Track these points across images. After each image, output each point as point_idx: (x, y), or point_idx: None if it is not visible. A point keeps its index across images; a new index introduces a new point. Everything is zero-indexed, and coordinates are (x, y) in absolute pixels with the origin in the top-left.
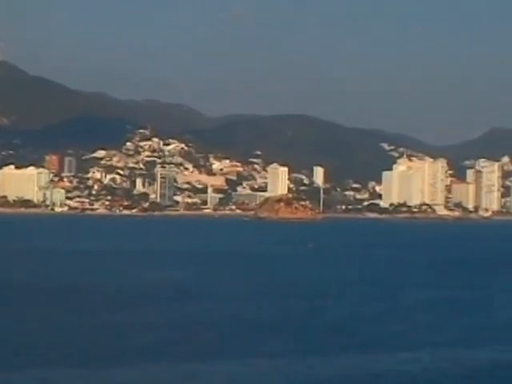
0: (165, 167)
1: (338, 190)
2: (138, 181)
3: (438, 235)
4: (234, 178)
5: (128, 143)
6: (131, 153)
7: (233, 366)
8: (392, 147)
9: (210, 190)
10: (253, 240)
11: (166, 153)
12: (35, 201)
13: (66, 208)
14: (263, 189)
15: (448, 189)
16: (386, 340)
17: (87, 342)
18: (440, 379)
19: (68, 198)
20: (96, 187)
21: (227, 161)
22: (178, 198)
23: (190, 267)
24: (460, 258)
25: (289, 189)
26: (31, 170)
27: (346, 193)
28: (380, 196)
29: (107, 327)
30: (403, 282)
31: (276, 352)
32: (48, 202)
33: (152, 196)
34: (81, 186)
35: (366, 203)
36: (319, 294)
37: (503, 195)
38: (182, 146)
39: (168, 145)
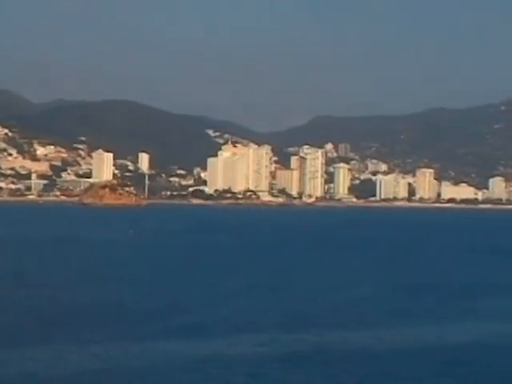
0: None
1: (163, 176)
2: None
3: (254, 221)
4: (59, 163)
5: None
6: None
7: (47, 352)
8: (217, 134)
9: (33, 175)
10: (75, 226)
11: None
12: None
13: None
14: (88, 175)
15: (272, 175)
16: (206, 325)
17: None
18: (257, 363)
19: None
20: None
21: (52, 147)
22: (1, 184)
23: (7, 253)
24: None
25: (114, 175)
26: None
27: (171, 179)
28: (205, 182)
29: None
30: (220, 267)
31: (91, 338)
32: None
33: None
34: None
35: (190, 189)
36: (135, 279)
37: (327, 182)
38: (6, 131)
39: None
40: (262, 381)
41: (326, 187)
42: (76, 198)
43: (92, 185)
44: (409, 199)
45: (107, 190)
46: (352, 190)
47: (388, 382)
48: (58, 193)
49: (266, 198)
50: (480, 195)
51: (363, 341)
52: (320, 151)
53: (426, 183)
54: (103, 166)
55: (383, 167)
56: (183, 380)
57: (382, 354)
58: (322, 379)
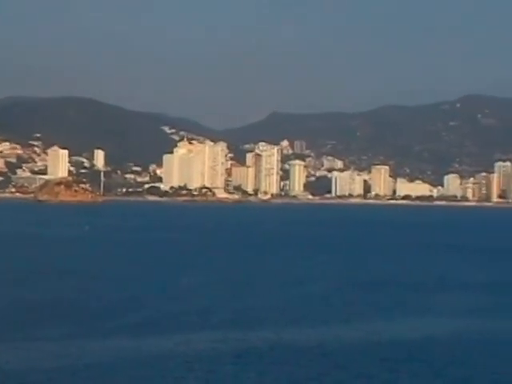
0: None
1: (119, 173)
2: None
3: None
4: (14, 160)
5: None
6: None
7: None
8: (173, 131)
9: None
10: (29, 222)
11: None
12: None
13: None
14: (43, 172)
15: (228, 172)
16: (161, 322)
17: None
18: (211, 359)
19: None
20: None
21: (7, 143)
22: None
23: None
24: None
25: (69, 172)
26: None
27: (127, 176)
28: (161, 179)
29: None
30: (175, 264)
31: (44, 335)
32: None
33: None
34: None
35: (146, 186)
36: (89, 275)
37: (282, 178)
38: None
39: None
40: (217, 376)
41: (282, 184)
42: (31, 195)
43: (47, 182)
44: (364, 196)
45: (62, 186)
46: (307, 186)
47: (341, 377)
48: (13, 190)
49: (221, 194)
50: (435, 192)
51: (317, 337)
52: (276, 148)
53: (381, 180)
54: (58, 163)
55: (339, 164)
56: (138, 376)
57: (335, 350)
58: (276, 375)
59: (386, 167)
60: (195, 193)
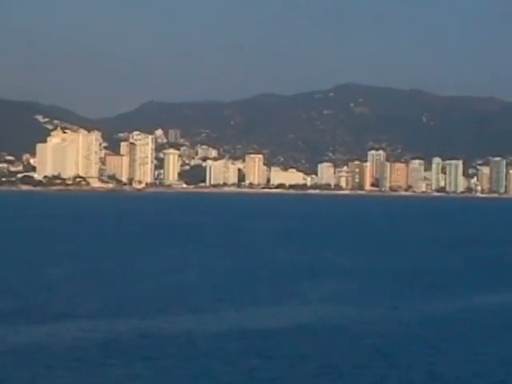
0: None
1: None
2: None
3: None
4: None
5: None
6: None
7: None
8: (47, 119)
9: None
10: None
11: None
12: None
13: None
14: None
15: (102, 161)
16: (29, 311)
17: None
18: (79, 348)
19: None
20: None
21: None
22: None
23: None
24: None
25: None
26: None
27: (0, 165)
28: (34, 168)
29: None
30: (46, 254)
31: None
32: None
33: None
34: None
35: (19, 176)
36: None
37: (157, 167)
38: None
39: None
40: (83, 364)
41: (156, 173)
42: None
43: None
44: (239, 185)
45: None
46: (182, 175)
47: (208, 363)
48: None
49: (95, 184)
50: (309, 181)
51: (186, 325)
52: (150, 137)
53: (255, 169)
54: None
55: (213, 153)
56: (5, 365)
57: (202, 338)
58: (142, 362)
59: (260, 156)
60: (69, 182)
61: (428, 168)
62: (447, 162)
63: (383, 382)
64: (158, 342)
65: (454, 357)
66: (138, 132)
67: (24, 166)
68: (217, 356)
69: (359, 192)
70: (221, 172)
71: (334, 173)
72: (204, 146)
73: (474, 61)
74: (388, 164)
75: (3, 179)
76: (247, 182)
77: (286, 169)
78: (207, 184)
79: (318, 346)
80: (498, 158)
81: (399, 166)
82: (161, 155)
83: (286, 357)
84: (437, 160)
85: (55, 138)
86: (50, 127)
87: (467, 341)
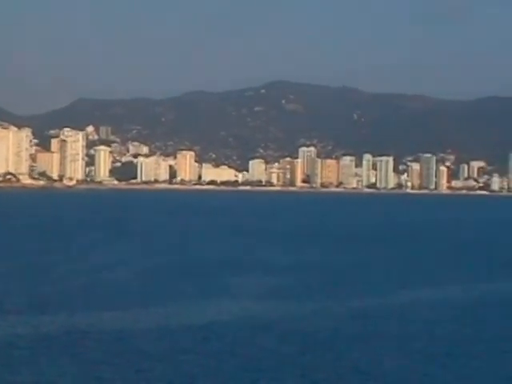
0: None
1: None
2: None
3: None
4: None
5: None
6: None
7: None
8: None
9: None
10: None
11: None
12: None
13: None
14: None
15: (33, 158)
16: None
17: None
18: (9, 344)
19: None
20: None
21: None
22: None
23: None
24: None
25: None
26: None
27: None
28: None
29: None
30: None
31: None
32: None
33: None
34: None
35: None
36: None
37: (88, 164)
38: None
39: None
40: (9, 361)
41: (87, 170)
42: None
43: None
44: (170, 181)
45: None
46: (113, 172)
47: (136, 359)
48: None
49: (26, 181)
50: (240, 177)
51: (114, 321)
52: (81, 134)
53: (186, 165)
54: None
55: (144, 150)
56: None
57: (131, 334)
58: (69, 358)
59: (192, 153)
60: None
61: (359, 164)
62: (378, 158)
63: (307, 377)
64: (85, 339)
65: (379, 352)
66: (68, 129)
67: None
68: (144, 352)
69: (290, 188)
70: (152, 169)
71: (266, 169)
72: (135, 143)
73: (404, 59)
74: (319, 160)
75: None
76: (179, 178)
77: (217, 165)
78: (138, 181)
79: (244, 341)
80: (428, 155)
81: (330, 162)
82: (92, 152)
83: (212, 353)
84: (367, 156)
85: None
86: None
87: (393, 336)
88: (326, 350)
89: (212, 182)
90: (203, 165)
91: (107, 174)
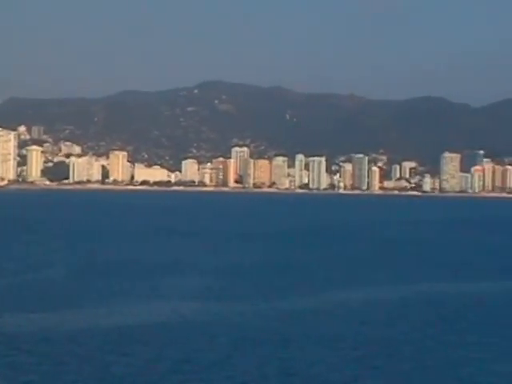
0: None
1: None
2: None
3: None
4: None
5: None
6: None
7: None
8: None
9: None
10: None
11: None
12: None
13: None
14: None
15: None
16: None
17: None
18: None
19: None
20: None
21: None
22: None
23: None
24: None
25: None
26: None
27: None
28: None
29: None
30: None
31: None
32: None
33: None
34: None
35: None
36: None
37: (19, 164)
38: None
39: None
40: None
41: (19, 170)
42: None
43: None
44: (102, 181)
45: None
46: (45, 172)
47: (63, 360)
48: None
49: None
50: (173, 177)
51: (43, 322)
52: (12, 133)
53: (119, 165)
54: None
55: (77, 150)
56: None
57: (60, 335)
58: None
59: (124, 153)
60: None
61: (291, 165)
62: (310, 158)
63: (235, 377)
64: (13, 340)
65: (308, 352)
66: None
67: None
68: (73, 353)
69: (223, 189)
70: (84, 169)
71: (198, 169)
72: (67, 143)
73: (336, 59)
74: (252, 161)
75: None
76: (111, 178)
77: (150, 165)
78: (71, 181)
79: (174, 342)
80: (360, 155)
81: (263, 162)
82: (24, 152)
83: (142, 353)
84: (300, 157)
85: None
86: None
87: (322, 337)
88: (254, 351)
89: (145, 183)
90: (136, 165)
91: (39, 174)
